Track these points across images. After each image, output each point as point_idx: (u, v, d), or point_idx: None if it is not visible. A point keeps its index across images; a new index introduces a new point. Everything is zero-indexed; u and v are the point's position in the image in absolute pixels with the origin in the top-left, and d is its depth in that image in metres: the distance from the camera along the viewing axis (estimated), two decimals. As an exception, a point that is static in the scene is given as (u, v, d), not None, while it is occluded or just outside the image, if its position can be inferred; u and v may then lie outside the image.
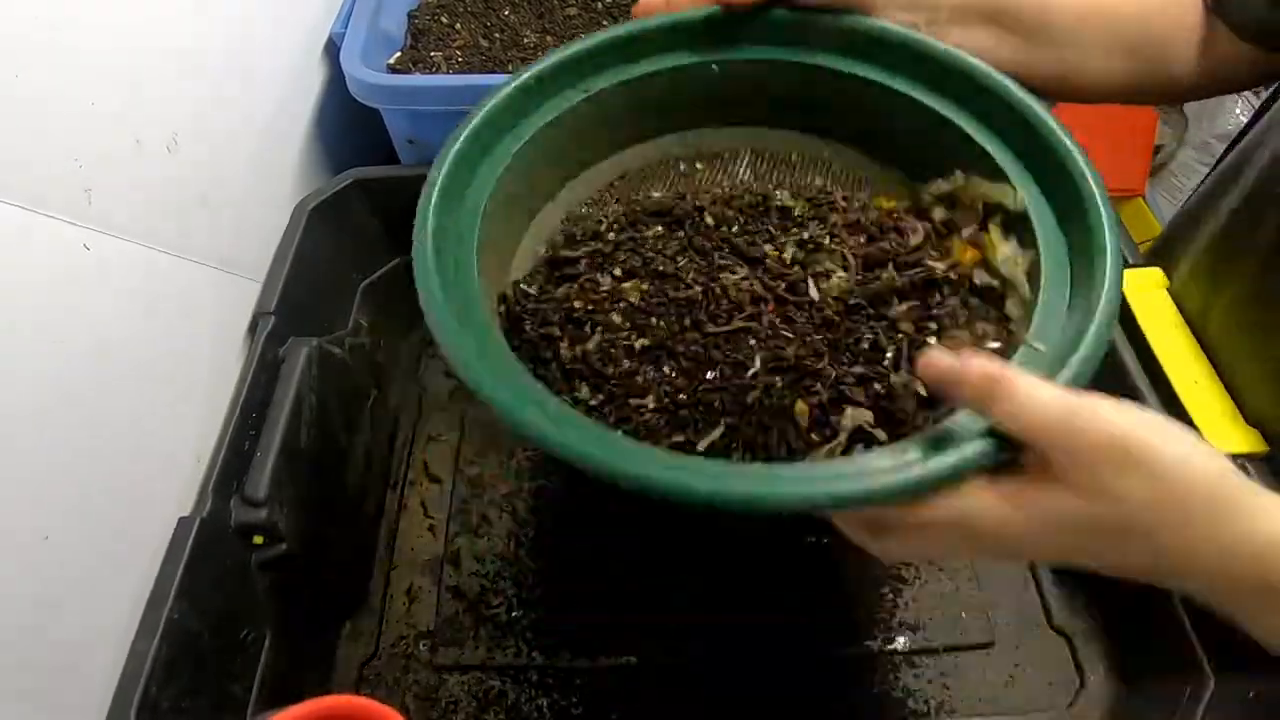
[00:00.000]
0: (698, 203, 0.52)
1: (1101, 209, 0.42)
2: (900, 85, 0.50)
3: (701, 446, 0.41)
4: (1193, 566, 0.32)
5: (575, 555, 0.63)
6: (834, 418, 0.41)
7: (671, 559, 0.62)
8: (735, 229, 0.50)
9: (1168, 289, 0.63)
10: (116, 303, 0.50)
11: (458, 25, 0.83)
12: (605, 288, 0.48)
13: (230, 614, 0.52)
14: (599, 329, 0.46)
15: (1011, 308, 0.45)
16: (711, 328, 0.45)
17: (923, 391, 0.41)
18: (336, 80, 0.78)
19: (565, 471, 0.67)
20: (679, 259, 0.49)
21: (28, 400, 0.43)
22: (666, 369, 0.44)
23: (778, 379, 0.42)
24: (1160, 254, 0.68)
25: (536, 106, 0.51)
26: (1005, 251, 0.46)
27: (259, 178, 0.68)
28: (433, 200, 0.44)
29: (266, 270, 0.65)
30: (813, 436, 0.41)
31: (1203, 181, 0.67)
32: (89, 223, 0.47)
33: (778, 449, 0.40)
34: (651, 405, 0.42)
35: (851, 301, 0.45)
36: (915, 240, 0.48)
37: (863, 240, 0.48)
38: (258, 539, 0.53)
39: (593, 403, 0.43)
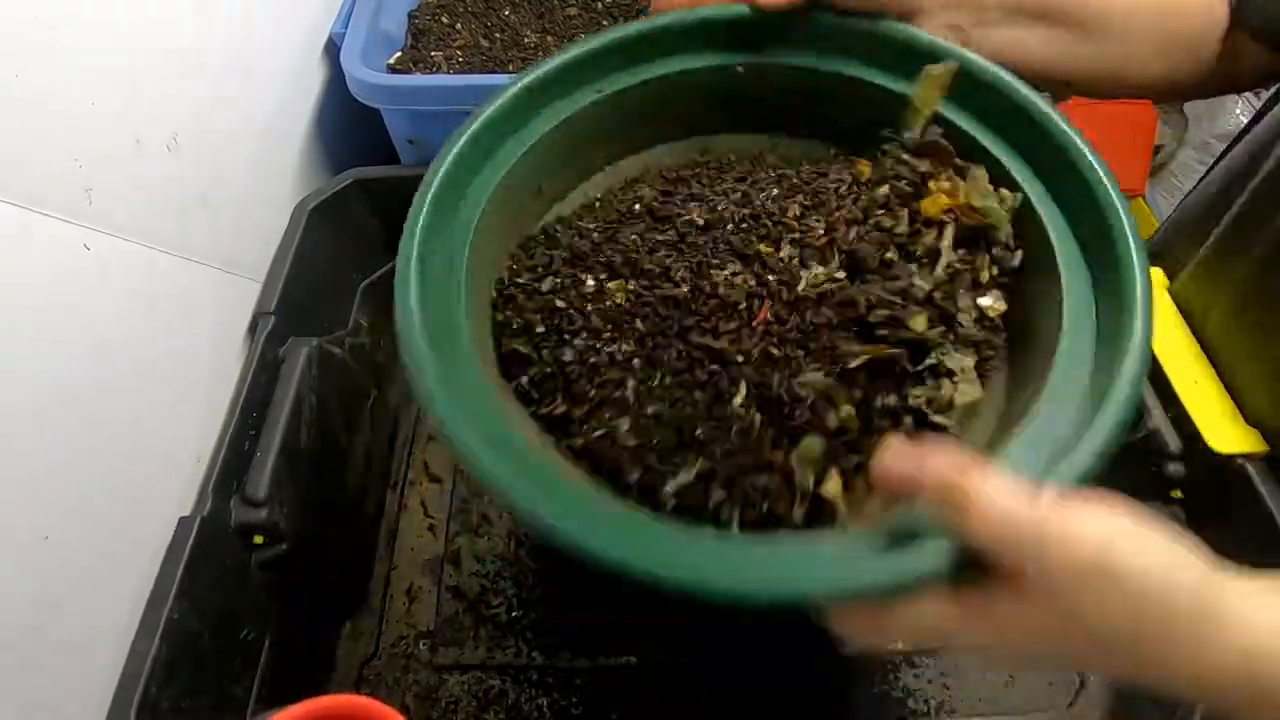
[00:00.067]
0: (692, 194, 0.50)
1: (1136, 262, 0.39)
2: (958, 119, 0.47)
3: (670, 488, 0.38)
4: (1179, 676, 0.31)
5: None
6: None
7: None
8: (730, 227, 0.47)
9: (1168, 289, 0.63)
10: (116, 303, 0.50)
11: (458, 25, 0.83)
12: (590, 287, 0.46)
13: (230, 614, 0.52)
14: (581, 333, 0.44)
15: (999, 251, 0.44)
16: (698, 337, 0.42)
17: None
18: (336, 80, 0.78)
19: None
20: (667, 255, 0.46)
21: (28, 400, 0.43)
22: (647, 385, 0.41)
23: (758, 418, 0.39)
24: (1160, 254, 0.68)
25: (544, 107, 0.48)
26: (983, 189, 0.44)
27: (259, 178, 0.68)
28: (423, 211, 0.42)
29: (266, 270, 0.65)
30: (789, 494, 0.39)
31: (1199, 180, 0.67)
32: (89, 222, 0.47)
33: (756, 500, 0.38)
34: (626, 427, 0.40)
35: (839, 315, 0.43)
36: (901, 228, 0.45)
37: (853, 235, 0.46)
38: (258, 539, 0.53)
39: (567, 416, 0.42)
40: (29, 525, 0.42)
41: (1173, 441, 0.54)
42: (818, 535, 0.38)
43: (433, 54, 0.80)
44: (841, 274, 0.44)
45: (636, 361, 0.42)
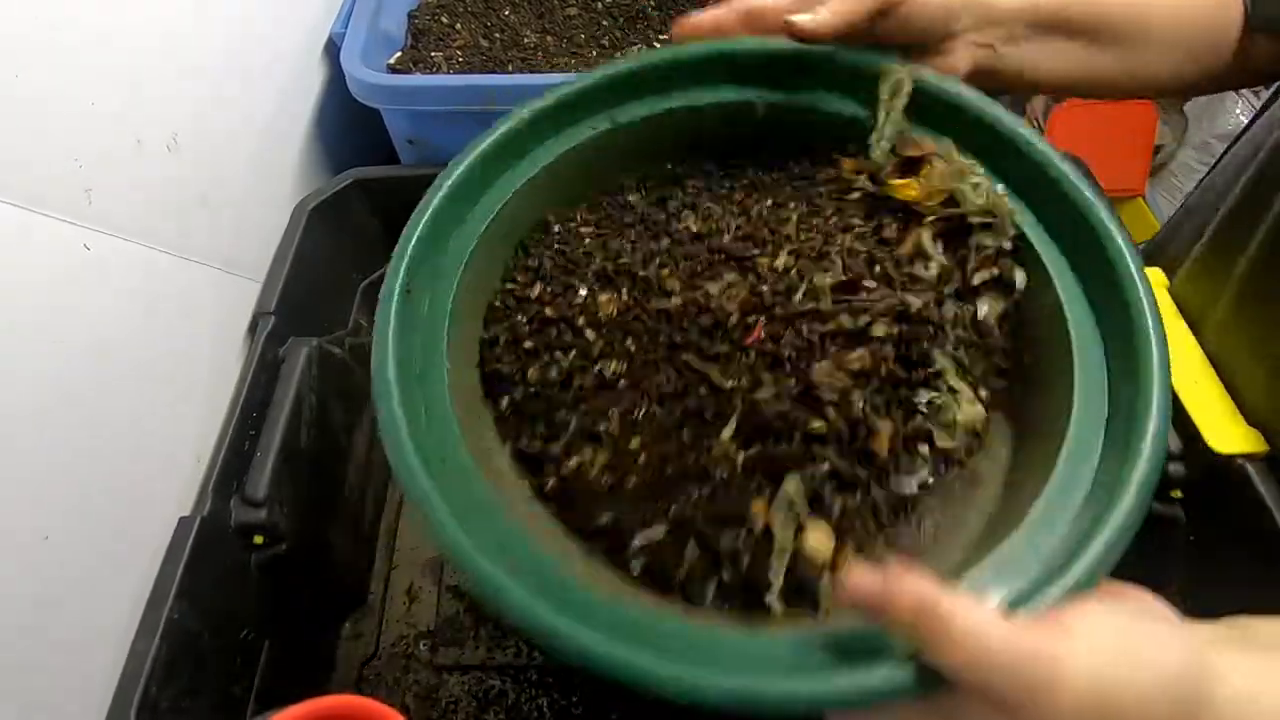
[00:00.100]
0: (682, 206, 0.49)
1: (1151, 330, 0.37)
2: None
3: (639, 541, 0.37)
4: None
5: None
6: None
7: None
8: (727, 238, 0.46)
9: (1168, 289, 0.63)
10: (116, 303, 0.50)
11: (458, 25, 0.83)
12: (581, 296, 0.45)
13: (230, 614, 0.52)
14: (569, 350, 0.43)
15: (991, 239, 0.42)
16: (688, 356, 0.41)
17: (908, 489, 0.38)
18: (336, 80, 0.78)
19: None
20: (661, 264, 0.45)
21: (28, 400, 0.43)
22: (631, 416, 0.40)
23: (742, 458, 0.38)
24: (1160, 253, 0.68)
25: (553, 135, 0.47)
26: (967, 177, 0.43)
27: (259, 178, 0.68)
28: (412, 242, 0.42)
29: (266, 270, 0.65)
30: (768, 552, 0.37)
31: (1202, 180, 0.67)
32: (89, 222, 0.47)
33: (730, 563, 0.36)
34: (603, 461, 0.39)
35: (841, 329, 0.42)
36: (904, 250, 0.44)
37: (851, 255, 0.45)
38: (257, 539, 0.53)
39: (544, 453, 0.41)
40: (29, 525, 0.42)
41: (1173, 441, 0.54)
42: (786, 627, 0.35)
43: (433, 54, 0.80)
44: (830, 279, 0.43)
45: (623, 383, 0.41)
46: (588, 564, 0.38)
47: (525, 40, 0.81)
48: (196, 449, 0.55)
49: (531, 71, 0.78)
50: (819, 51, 0.46)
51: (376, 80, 0.71)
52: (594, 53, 0.81)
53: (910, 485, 0.39)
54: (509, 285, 0.47)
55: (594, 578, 0.37)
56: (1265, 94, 0.61)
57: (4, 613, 0.41)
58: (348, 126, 0.81)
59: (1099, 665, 0.28)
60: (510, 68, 0.78)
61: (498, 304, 0.46)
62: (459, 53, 0.80)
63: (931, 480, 0.39)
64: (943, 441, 0.40)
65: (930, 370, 0.41)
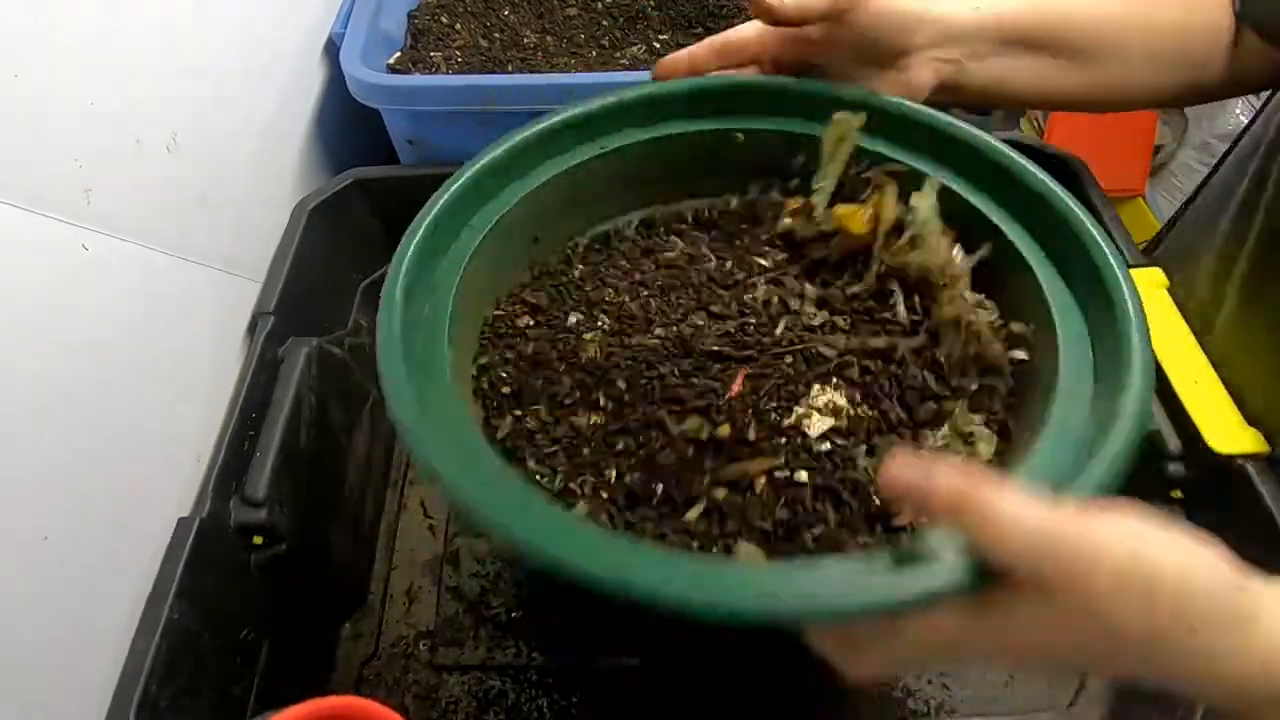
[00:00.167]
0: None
1: (1126, 293, 0.40)
2: (923, 166, 0.49)
3: None
4: (1196, 680, 0.30)
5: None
6: None
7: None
8: (712, 264, 0.50)
9: (1168, 289, 0.63)
10: (116, 302, 0.50)
11: (458, 25, 0.83)
12: (572, 322, 0.47)
13: (230, 614, 0.52)
14: (553, 394, 0.44)
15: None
16: (665, 416, 0.42)
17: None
18: (336, 80, 0.78)
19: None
20: (645, 294, 0.48)
21: (28, 400, 0.43)
22: (610, 468, 0.41)
23: (718, 514, 0.39)
24: (1160, 253, 0.68)
25: (544, 160, 0.50)
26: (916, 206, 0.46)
27: (259, 178, 0.68)
28: (410, 250, 0.43)
29: (266, 270, 0.65)
30: None
31: (1204, 182, 0.67)
32: (88, 223, 0.47)
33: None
34: (584, 511, 0.40)
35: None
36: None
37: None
38: (257, 539, 0.53)
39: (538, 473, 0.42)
40: (29, 525, 0.42)
41: (1173, 441, 0.54)
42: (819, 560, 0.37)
43: (432, 54, 0.80)
44: (816, 316, 0.46)
45: (600, 434, 0.42)
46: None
47: (525, 40, 0.81)
48: (196, 449, 0.55)
49: (531, 71, 0.78)
50: (787, 82, 0.51)
51: (376, 80, 0.71)
52: (594, 53, 0.81)
53: None
54: (498, 313, 0.49)
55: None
56: (1265, 93, 0.60)
57: (4, 613, 0.41)
58: (348, 126, 0.81)
59: (1135, 542, 0.29)
60: (510, 68, 0.78)
61: (486, 338, 0.48)
62: (459, 53, 0.80)
63: None
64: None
65: (935, 407, 0.43)
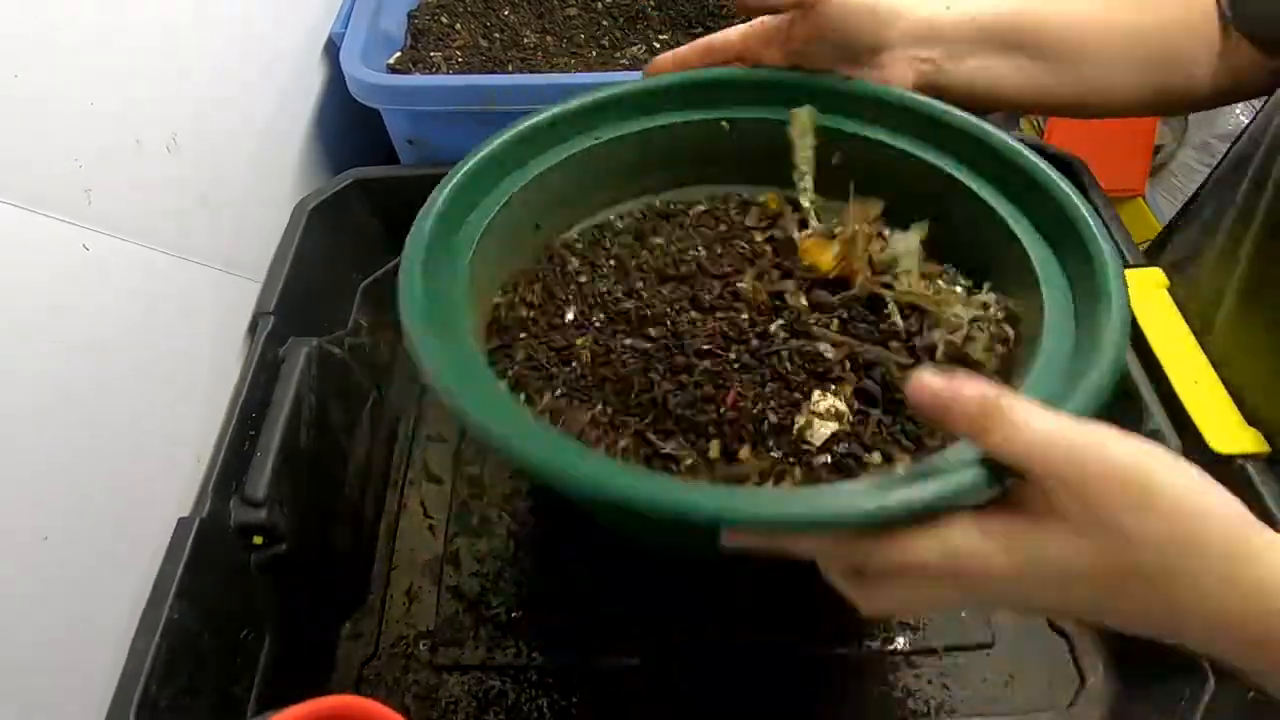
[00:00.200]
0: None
1: (1104, 247, 0.42)
2: (913, 148, 0.51)
3: None
4: (1205, 614, 0.30)
5: (576, 555, 0.63)
6: None
7: (672, 559, 0.62)
8: (705, 253, 0.51)
9: (1168, 289, 0.63)
10: (116, 302, 0.50)
11: (458, 25, 0.83)
12: (569, 318, 0.48)
13: (230, 614, 0.52)
14: (552, 390, 0.45)
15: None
16: (668, 391, 0.43)
17: None
18: (336, 80, 0.78)
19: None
20: (641, 287, 0.49)
21: (28, 400, 0.43)
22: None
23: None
24: (1160, 253, 0.68)
25: (542, 150, 0.52)
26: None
27: (259, 178, 0.68)
28: (426, 231, 0.45)
29: (266, 270, 0.65)
30: None
31: (1204, 182, 0.67)
32: (88, 222, 0.47)
33: None
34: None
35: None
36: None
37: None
38: (257, 539, 0.53)
39: None
40: (29, 525, 0.42)
41: (1172, 441, 0.54)
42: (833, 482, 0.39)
43: (432, 54, 0.80)
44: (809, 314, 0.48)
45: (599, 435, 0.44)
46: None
47: (525, 40, 0.81)
48: (196, 449, 0.55)
49: (531, 71, 0.78)
50: (764, 74, 0.54)
51: (376, 80, 0.71)
52: (593, 53, 0.81)
53: None
54: (498, 302, 0.51)
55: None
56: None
57: (4, 613, 0.41)
58: (348, 126, 0.81)
59: (1148, 457, 0.30)
60: (510, 68, 0.78)
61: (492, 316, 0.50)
62: (459, 53, 0.80)
63: None
64: None
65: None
